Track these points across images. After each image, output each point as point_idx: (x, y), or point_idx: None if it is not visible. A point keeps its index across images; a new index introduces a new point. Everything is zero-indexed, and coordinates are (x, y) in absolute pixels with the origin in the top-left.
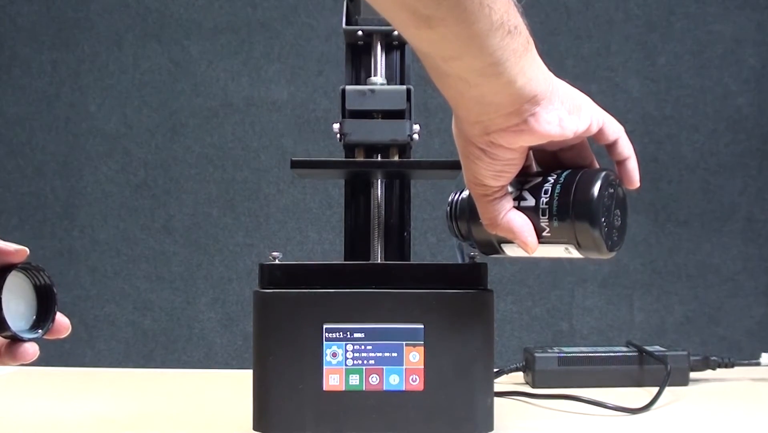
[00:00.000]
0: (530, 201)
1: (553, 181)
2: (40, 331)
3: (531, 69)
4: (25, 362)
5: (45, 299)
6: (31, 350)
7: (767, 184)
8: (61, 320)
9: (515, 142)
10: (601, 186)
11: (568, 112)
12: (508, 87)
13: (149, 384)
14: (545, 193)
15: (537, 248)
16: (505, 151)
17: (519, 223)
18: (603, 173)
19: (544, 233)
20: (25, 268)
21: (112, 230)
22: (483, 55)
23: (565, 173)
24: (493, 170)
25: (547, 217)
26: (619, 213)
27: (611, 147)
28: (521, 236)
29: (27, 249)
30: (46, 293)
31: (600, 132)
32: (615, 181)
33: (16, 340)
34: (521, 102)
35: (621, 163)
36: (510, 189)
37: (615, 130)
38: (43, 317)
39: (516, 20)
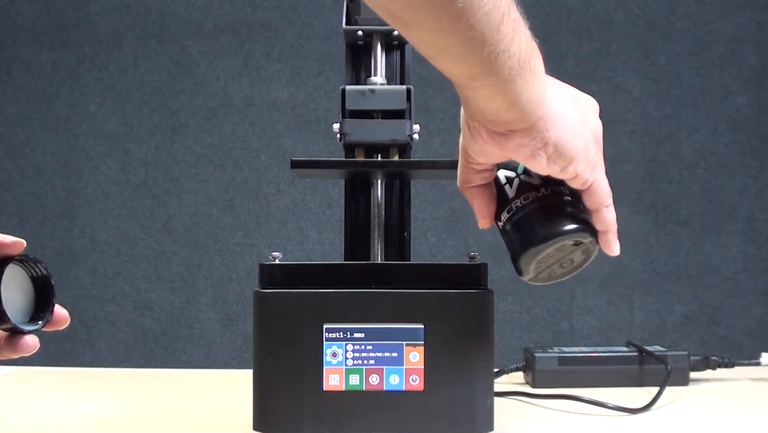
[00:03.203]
0: (510, 192)
1: (539, 195)
2: (39, 322)
3: (517, 95)
4: (25, 355)
5: (43, 290)
6: (32, 342)
7: (767, 184)
8: (60, 311)
9: (489, 142)
10: (560, 238)
11: (546, 157)
12: (486, 102)
13: (149, 384)
14: (525, 198)
15: (486, 227)
16: (484, 142)
17: (479, 202)
18: (572, 227)
19: (498, 223)
20: (22, 260)
21: (112, 230)
22: (459, 67)
23: (551, 196)
24: (474, 148)
25: (508, 216)
26: (571, 262)
27: (592, 213)
28: (476, 212)
29: (24, 241)
30: (44, 285)
31: (584, 192)
32: (582, 238)
33: (16, 332)
34: (497, 120)
35: (599, 232)
36: (511, 166)
37: (596, 202)
38: (42, 309)
39: (508, 43)
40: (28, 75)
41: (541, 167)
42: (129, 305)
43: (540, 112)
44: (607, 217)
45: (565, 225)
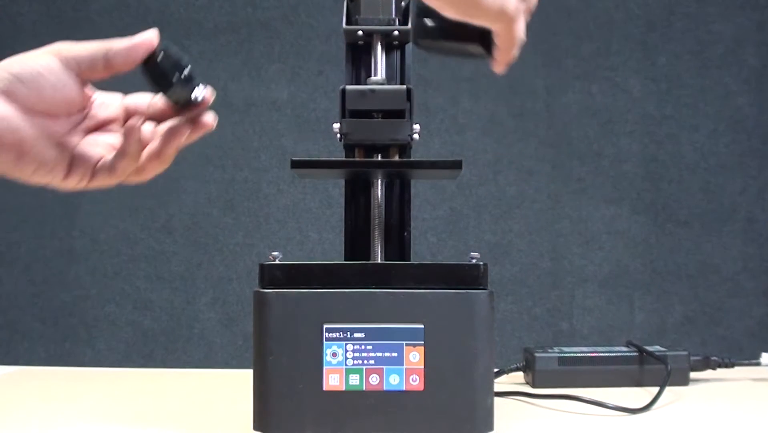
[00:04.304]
0: None
1: None
2: (201, 85)
3: None
4: (208, 131)
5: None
6: (212, 117)
7: (767, 184)
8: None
9: None
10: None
11: (454, 11)
12: None
13: (149, 384)
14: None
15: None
16: None
17: None
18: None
19: None
20: (165, 49)
21: (112, 230)
22: None
23: None
24: None
25: None
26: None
27: (494, 48)
28: None
29: (153, 38)
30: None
31: (495, 35)
32: (475, 52)
33: (186, 104)
34: None
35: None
36: None
37: (502, 47)
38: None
39: None
40: None
41: (452, 16)
42: (129, 305)
43: None
44: (506, 58)
45: (466, 37)
